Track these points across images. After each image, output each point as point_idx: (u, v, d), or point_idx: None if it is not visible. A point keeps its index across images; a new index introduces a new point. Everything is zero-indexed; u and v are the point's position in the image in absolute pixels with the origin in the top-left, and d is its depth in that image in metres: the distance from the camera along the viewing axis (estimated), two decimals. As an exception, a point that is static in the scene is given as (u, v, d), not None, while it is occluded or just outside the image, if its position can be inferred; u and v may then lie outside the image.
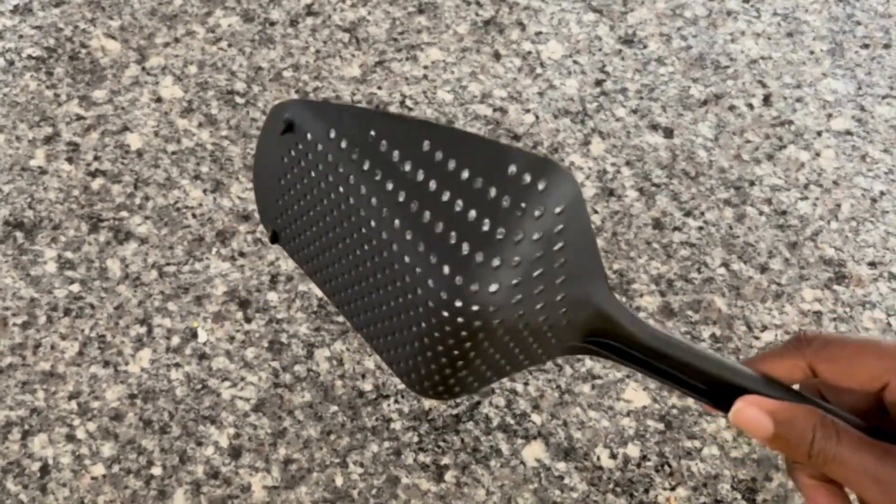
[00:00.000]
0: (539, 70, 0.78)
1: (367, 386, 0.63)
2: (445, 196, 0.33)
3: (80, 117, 0.74)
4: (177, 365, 0.63)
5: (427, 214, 0.33)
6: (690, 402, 0.63)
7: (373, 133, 0.36)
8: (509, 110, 0.76)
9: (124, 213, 0.69)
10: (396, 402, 0.63)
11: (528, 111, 0.76)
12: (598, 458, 0.61)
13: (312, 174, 0.39)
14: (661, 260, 0.69)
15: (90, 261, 0.67)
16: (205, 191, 0.70)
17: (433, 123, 0.37)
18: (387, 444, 0.61)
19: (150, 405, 0.62)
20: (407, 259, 0.34)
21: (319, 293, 0.66)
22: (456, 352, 0.35)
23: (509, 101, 0.76)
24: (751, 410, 0.33)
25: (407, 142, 0.34)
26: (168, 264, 0.67)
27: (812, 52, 0.80)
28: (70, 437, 0.61)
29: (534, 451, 0.61)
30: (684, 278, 0.68)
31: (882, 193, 0.73)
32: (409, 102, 0.76)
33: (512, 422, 0.62)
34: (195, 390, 0.63)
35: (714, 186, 0.73)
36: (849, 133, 0.76)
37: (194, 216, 0.69)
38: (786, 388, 0.35)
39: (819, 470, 0.32)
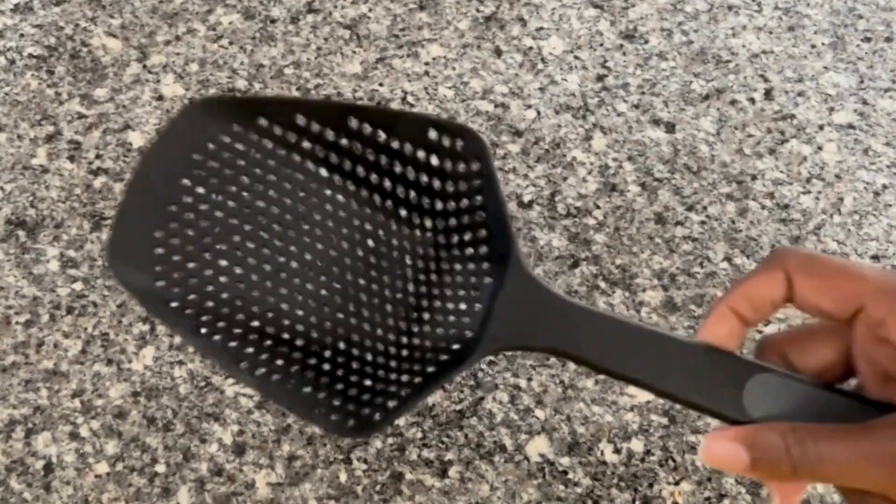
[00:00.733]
0: (540, 66, 0.78)
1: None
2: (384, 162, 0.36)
3: (81, 116, 0.74)
4: (180, 362, 0.64)
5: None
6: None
7: (301, 118, 0.36)
8: (511, 106, 0.76)
9: (126, 211, 0.69)
10: (400, 398, 0.63)
11: (529, 107, 0.76)
12: (602, 453, 0.61)
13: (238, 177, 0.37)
14: (664, 254, 0.69)
15: (93, 259, 0.67)
16: (207, 188, 0.70)
17: (353, 104, 0.39)
18: (390, 440, 0.61)
19: (154, 403, 0.62)
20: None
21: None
22: None
23: (511, 97, 0.76)
24: (721, 444, 0.32)
25: (337, 121, 0.36)
26: (170, 262, 0.67)
27: (814, 46, 0.80)
28: (74, 436, 0.61)
29: (537, 447, 0.61)
30: (687, 273, 0.68)
31: (885, 187, 0.73)
32: (410, 99, 0.76)
33: (515, 417, 0.62)
34: (198, 387, 0.63)
35: (716, 181, 0.73)
36: (851, 127, 0.76)
37: (196, 214, 0.69)
38: (728, 354, 0.34)
39: (809, 479, 0.31)
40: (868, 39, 0.81)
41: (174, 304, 0.36)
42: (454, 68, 0.78)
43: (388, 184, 0.36)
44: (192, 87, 0.75)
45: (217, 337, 0.35)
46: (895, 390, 0.31)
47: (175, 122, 0.37)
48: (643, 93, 0.77)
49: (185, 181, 0.37)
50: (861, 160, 0.74)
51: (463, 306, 0.36)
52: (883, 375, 0.32)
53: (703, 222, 0.71)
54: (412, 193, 0.36)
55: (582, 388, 0.63)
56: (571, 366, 0.64)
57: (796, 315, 0.67)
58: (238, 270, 0.37)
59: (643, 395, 0.63)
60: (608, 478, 0.60)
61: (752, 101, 0.77)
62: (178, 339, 0.64)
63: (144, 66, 0.76)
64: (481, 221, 0.36)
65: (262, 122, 0.37)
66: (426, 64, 0.78)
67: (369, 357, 0.36)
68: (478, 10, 0.81)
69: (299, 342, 0.36)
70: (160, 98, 0.75)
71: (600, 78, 0.78)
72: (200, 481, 0.59)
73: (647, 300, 0.67)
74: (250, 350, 0.35)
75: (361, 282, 0.37)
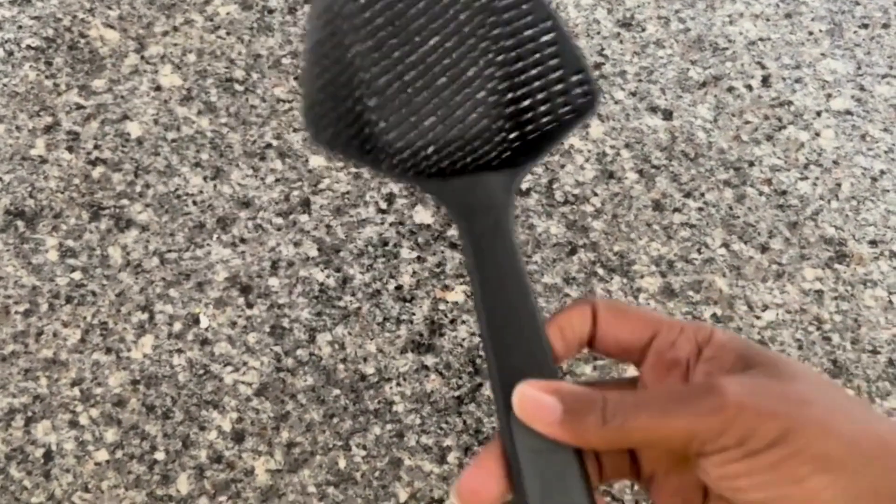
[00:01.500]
0: (537, 54, 0.78)
1: (369, 369, 0.63)
2: None
3: (79, 106, 0.74)
4: (179, 351, 0.64)
5: None
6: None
7: None
8: (508, 94, 0.76)
9: (125, 201, 0.69)
10: (398, 384, 0.63)
11: (526, 95, 0.76)
12: (601, 438, 0.61)
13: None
14: (662, 241, 0.69)
15: (91, 249, 0.67)
16: (205, 178, 0.71)
17: None
18: (389, 426, 0.61)
19: (153, 391, 0.62)
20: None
21: (320, 278, 0.66)
22: None
23: (508, 86, 0.76)
24: (533, 391, 0.32)
25: None
26: (169, 251, 0.67)
27: (811, 33, 0.80)
28: (73, 424, 0.61)
29: (536, 432, 0.61)
30: (685, 259, 0.68)
31: (882, 172, 0.73)
32: (407, 88, 0.76)
33: (514, 403, 0.62)
34: (197, 375, 0.63)
35: (714, 167, 0.73)
36: (848, 113, 0.76)
37: (195, 203, 0.69)
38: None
39: (617, 436, 0.31)
40: (865, 26, 0.81)
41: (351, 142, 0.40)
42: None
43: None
44: (189, 78, 0.75)
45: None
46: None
47: None
48: (640, 80, 0.77)
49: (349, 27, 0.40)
50: (859, 146, 0.74)
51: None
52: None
53: (700, 209, 0.71)
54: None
55: (580, 374, 0.63)
56: (569, 352, 0.64)
57: (795, 300, 0.67)
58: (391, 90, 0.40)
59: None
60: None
61: (750, 87, 0.77)
62: (177, 328, 0.64)
63: (142, 57, 0.76)
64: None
65: None
66: (423, 53, 0.78)
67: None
68: None
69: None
70: (158, 88, 0.75)
71: (598, 66, 0.78)
72: (200, 468, 0.60)
73: (645, 286, 0.67)
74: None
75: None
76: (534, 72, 0.40)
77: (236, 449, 0.60)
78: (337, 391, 0.62)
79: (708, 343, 0.33)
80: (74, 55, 0.76)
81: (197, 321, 0.65)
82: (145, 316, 0.65)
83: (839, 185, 0.72)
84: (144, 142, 0.72)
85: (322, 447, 0.60)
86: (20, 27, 0.77)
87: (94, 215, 0.69)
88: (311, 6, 0.40)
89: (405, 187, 0.70)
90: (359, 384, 0.63)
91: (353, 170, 0.71)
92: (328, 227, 0.69)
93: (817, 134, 0.75)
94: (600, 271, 0.67)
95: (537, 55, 0.39)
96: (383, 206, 0.70)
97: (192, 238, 0.68)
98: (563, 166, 0.72)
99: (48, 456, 0.60)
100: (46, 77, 0.75)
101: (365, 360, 0.64)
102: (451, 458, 0.60)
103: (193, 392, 0.62)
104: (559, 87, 0.39)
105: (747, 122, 0.75)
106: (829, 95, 0.77)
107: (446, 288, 0.67)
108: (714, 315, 0.66)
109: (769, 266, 0.68)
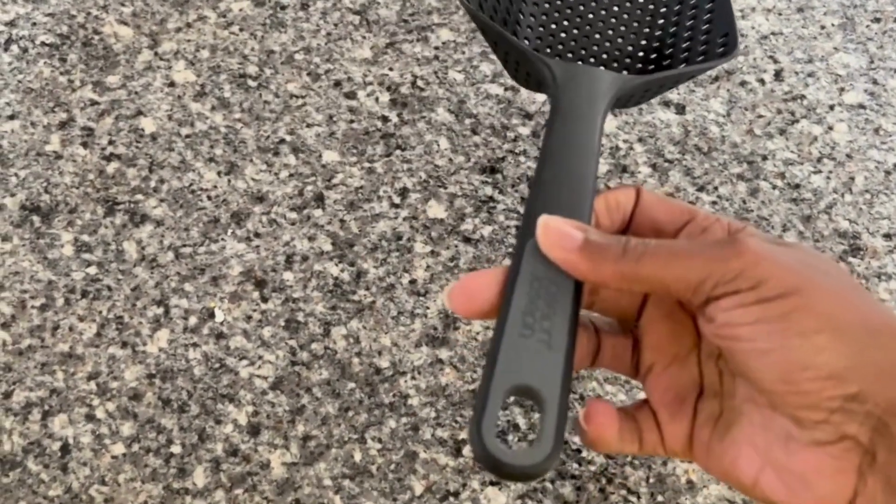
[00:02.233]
0: (550, 49, 0.78)
1: (384, 363, 0.63)
2: None
3: (94, 102, 0.74)
4: (194, 345, 0.64)
5: None
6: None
7: None
8: (520, 89, 0.76)
9: (140, 196, 0.70)
10: (413, 378, 0.63)
11: (539, 90, 0.76)
12: (616, 431, 0.61)
13: None
14: (675, 235, 0.69)
15: (107, 243, 0.68)
16: (219, 173, 0.71)
17: None
18: (404, 419, 0.61)
19: (169, 385, 0.62)
20: None
21: (335, 272, 0.67)
22: None
23: (520, 80, 0.76)
24: (558, 221, 0.33)
25: None
26: (184, 246, 0.68)
27: (823, 27, 0.80)
28: (90, 417, 0.61)
29: (551, 425, 0.62)
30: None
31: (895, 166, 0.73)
32: (420, 83, 0.76)
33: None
34: (213, 369, 0.63)
35: (727, 161, 0.73)
36: (861, 106, 0.76)
37: (209, 198, 0.70)
38: None
39: (632, 271, 0.32)
40: (878, 20, 0.81)
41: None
42: (464, 52, 0.78)
43: None
44: (202, 74, 0.76)
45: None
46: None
47: None
48: (653, 75, 0.77)
49: None
50: (872, 140, 0.74)
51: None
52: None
53: (714, 202, 0.71)
54: None
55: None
56: (584, 345, 0.64)
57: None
58: None
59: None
60: (622, 456, 0.60)
61: (762, 82, 0.77)
62: (192, 322, 0.65)
63: (156, 53, 0.77)
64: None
65: None
66: (436, 48, 0.78)
67: None
68: (487, -5, 0.81)
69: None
70: (171, 84, 0.75)
71: (610, 60, 0.78)
72: (216, 461, 0.60)
73: (659, 280, 0.67)
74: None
75: None
76: (690, 10, 0.42)
77: (252, 442, 0.61)
78: (352, 385, 0.63)
79: (740, 232, 0.34)
80: (88, 52, 0.77)
81: (212, 315, 0.65)
82: (161, 310, 0.65)
83: (853, 178, 0.72)
84: (158, 137, 0.72)
85: (337, 440, 0.61)
86: (34, 24, 0.78)
87: (109, 210, 0.69)
88: None
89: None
90: (374, 378, 0.63)
91: (367, 164, 0.72)
92: (342, 221, 0.69)
93: (830, 128, 0.75)
94: (614, 265, 0.67)
95: None
96: (397, 200, 0.70)
97: (207, 233, 0.68)
98: (576, 161, 0.72)
99: (65, 449, 0.60)
100: (61, 73, 0.75)
101: (380, 353, 0.64)
102: (467, 451, 0.61)
103: (209, 386, 0.62)
104: (705, 27, 0.41)
105: (760, 117, 0.75)
106: (841, 89, 0.77)
107: (460, 282, 0.67)
108: (728, 308, 0.66)
109: (783, 259, 0.68)
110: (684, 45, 0.42)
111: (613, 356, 0.37)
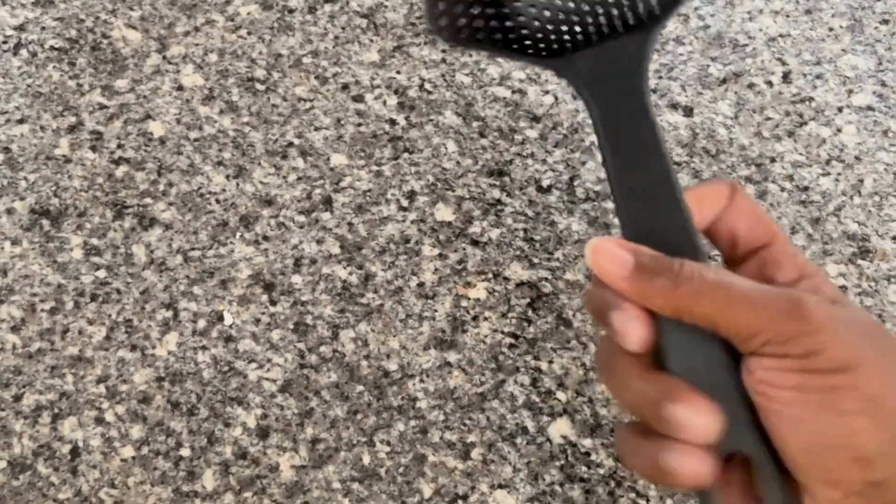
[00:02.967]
0: (557, 52, 0.78)
1: (393, 366, 0.64)
2: None
3: (102, 106, 0.74)
4: (203, 348, 0.64)
5: None
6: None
7: None
8: (528, 92, 0.76)
9: (148, 200, 0.70)
10: (422, 381, 0.63)
11: (546, 92, 0.76)
12: (625, 434, 0.61)
13: None
14: (684, 237, 0.69)
15: (116, 247, 0.68)
16: (227, 176, 0.71)
17: None
18: (413, 422, 0.61)
19: (178, 388, 0.63)
20: None
21: (343, 275, 0.67)
22: None
23: (528, 83, 0.76)
24: (608, 244, 0.32)
25: None
26: (193, 249, 0.68)
27: (831, 29, 0.80)
28: (99, 420, 0.61)
29: (560, 428, 0.62)
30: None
31: (905, 168, 0.72)
32: (427, 86, 0.76)
33: (537, 399, 0.62)
34: (222, 372, 0.63)
35: (735, 164, 0.73)
36: (870, 108, 0.76)
37: (218, 201, 0.70)
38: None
39: (686, 303, 0.30)
40: (886, 22, 0.81)
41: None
42: (471, 55, 0.78)
43: None
44: (211, 77, 0.76)
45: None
46: None
47: None
48: (660, 77, 0.77)
49: None
50: (881, 142, 0.74)
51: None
52: None
53: (722, 205, 0.71)
54: None
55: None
56: (592, 348, 0.64)
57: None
58: None
59: (665, 377, 0.63)
60: (631, 458, 0.60)
61: (770, 84, 0.77)
62: (201, 325, 0.65)
63: (164, 57, 0.77)
64: None
65: None
66: (443, 51, 0.78)
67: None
68: (494, -2, 0.81)
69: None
70: (180, 88, 0.75)
71: (617, 63, 0.78)
72: (225, 464, 0.60)
73: (668, 282, 0.67)
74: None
75: None
76: None
77: (261, 445, 0.61)
78: (360, 387, 0.63)
79: (810, 278, 0.32)
80: (97, 56, 0.77)
81: (221, 318, 0.65)
82: (169, 313, 0.65)
83: (861, 180, 0.72)
84: (167, 141, 0.73)
85: (346, 443, 0.61)
86: (43, 28, 0.78)
87: (118, 214, 0.69)
88: None
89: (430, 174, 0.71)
90: (382, 380, 0.63)
91: (375, 168, 0.72)
92: (350, 224, 0.69)
93: (839, 130, 0.74)
94: (622, 268, 0.67)
95: None
96: (405, 203, 0.70)
97: (216, 236, 0.68)
98: (584, 163, 0.72)
99: (75, 452, 0.60)
100: (70, 77, 0.76)
101: (388, 356, 0.64)
102: (475, 454, 0.61)
103: (218, 389, 0.63)
104: None
105: (768, 119, 0.75)
106: (850, 91, 0.76)
107: (468, 285, 0.67)
108: (737, 311, 0.66)
109: (792, 262, 0.68)
110: None
111: None
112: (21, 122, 0.73)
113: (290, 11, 0.80)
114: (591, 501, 0.59)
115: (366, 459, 0.60)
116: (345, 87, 0.76)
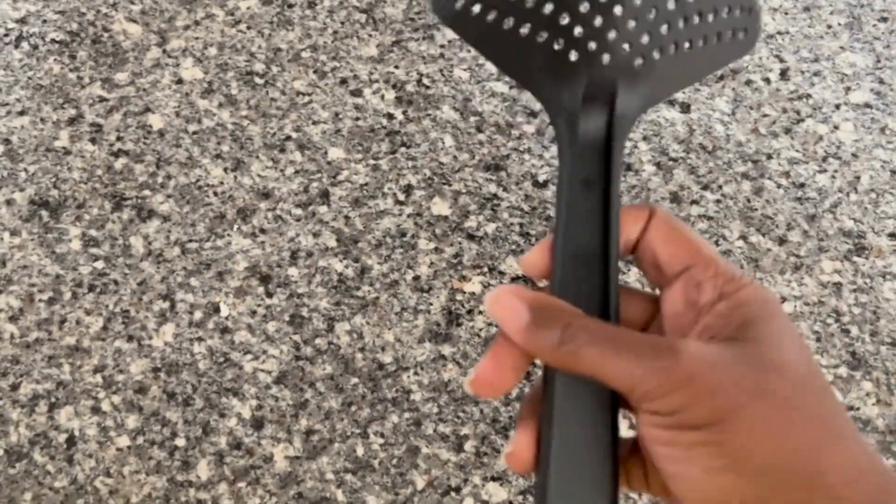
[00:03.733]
0: (555, 47, 0.78)
1: (387, 358, 0.64)
2: None
3: (102, 99, 0.75)
4: (199, 339, 0.64)
5: None
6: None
7: None
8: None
9: (147, 192, 0.70)
10: (416, 373, 0.63)
11: (544, 88, 0.76)
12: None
13: None
14: (679, 233, 0.69)
15: (114, 238, 0.68)
16: (225, 169, 0.71)
17: None
18: (407, 414, 0.62)
19: (174, 378, 0.63)
20: None
21: (339, 268, 0.67)
22: None
23: (526, 79, 0.77)
24: (508, 297, 0.31)
25: None
26: (190, 241, 0.68)
27: (830, 27, 0.80)
28: (96, 410, 0.62)
29: (553, 422, 0.62)
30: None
31: (901, 165, 0.73)
32: (425, 81, 0.76)
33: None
34: (217, 363, 0.63)
35: (731, 160, 0.73)
36: (867, 106, 0.76)
37: (215, 194, 0.70)
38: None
39: (570, 357, 0.30)
40: (884, 19, 0.81)
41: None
42: (469, 50, 0.78)
43: None
44: (210, 71, 0.76)
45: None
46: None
47: None
48: (658, 73, 0.77)
49: None
50: (878, 139, 0.74)
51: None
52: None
53: (718, 201, 0.71)
54: None
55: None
56: (586, 342, 0.65)
57: (813, 293, 0.67)
58: None
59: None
60: (623, 452, 0.61)
61: (768, 81, 0.77)
62: (197, 316, 0.65)
63: (164, 51, 0.77)
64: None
65: None
66: (441, 46, 0.78)
67: None
68: (493, -6, 0.81)
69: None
70: (179, 81, 0.76)
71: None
72: (220, 454, 0.60)
73: (662, 278, 0.67)
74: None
75: None
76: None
77: (256, 436, 0.61)
78: (355, 380, 0.63)
79: (729, 298, 0.32)
80: (98, 49, 0.77)
81: (217, 310, 0.65)
82: (166, 304, 0.66)
83: (858, 177, 0.72)
84: (166, 134, 0.73)
85: (340, 435, 0.61)
86: (45, 21, 0.79)
87: (117, 206, 0.70)
88: None
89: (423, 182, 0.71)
90: (377, 373, 0.63)
91: (372, 162, 0.72)
92: (347, 218, 0.69)
93: (836, 127, 0.74)
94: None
95: None
96: (401, 197, 0.70)
97: (213, 228, 0.69)
98: (580, 159, 0.73)
99: (71, 441, 0.61)
100: (70, 70, 0.76)
101: (383, 349, 0.64)
102: (468, 446, 0.61)
103: (214, 380, 0.63)
104: (727, 18, 0.37)
105: (765, 115, 0.75)
106: (847, 88, 0.76)
107: (463, 279, 0.67)
108: (731, 306, 0.66)
109: (787, 258, 0.68)
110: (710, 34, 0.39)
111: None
112: (21, 113, 0.74)
113: (290, 6, 0.80)
114: (584, 494, 0.59)
115: (359, 451, 0.61)
116: (343, 81, 0.76)
